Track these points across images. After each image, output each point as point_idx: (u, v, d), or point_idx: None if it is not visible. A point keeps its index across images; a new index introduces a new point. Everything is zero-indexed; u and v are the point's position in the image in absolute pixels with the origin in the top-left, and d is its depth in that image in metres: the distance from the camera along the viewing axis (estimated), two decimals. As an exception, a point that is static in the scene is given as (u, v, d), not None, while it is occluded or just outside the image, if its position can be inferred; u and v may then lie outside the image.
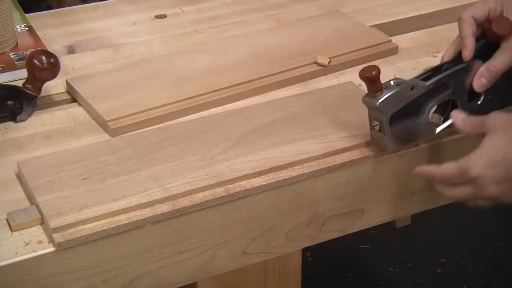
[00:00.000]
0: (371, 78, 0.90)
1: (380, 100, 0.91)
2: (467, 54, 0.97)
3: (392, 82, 0.93)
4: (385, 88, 0.92)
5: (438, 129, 0.98)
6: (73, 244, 0.83)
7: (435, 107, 0.97)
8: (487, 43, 1.00)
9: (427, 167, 0.92)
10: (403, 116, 0.94)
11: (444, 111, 0.99)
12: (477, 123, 0.91)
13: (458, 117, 0.94)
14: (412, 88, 0.93)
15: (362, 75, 0.90)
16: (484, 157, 0.85)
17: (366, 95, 0.92)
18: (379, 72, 0.90)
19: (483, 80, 0.97)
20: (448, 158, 1.02)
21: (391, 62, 1.20)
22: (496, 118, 0.89)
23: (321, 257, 1.93)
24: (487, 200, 0.88)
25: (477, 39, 0.99)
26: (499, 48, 0.98)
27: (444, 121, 0.99)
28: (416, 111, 0.95)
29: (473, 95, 0.99)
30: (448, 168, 0.88)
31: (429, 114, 0.97)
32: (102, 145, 0.97)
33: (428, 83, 0.94)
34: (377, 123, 0.94)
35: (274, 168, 0.93)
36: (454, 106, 0.98)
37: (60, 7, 1.57)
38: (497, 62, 0.97)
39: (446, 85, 0.97)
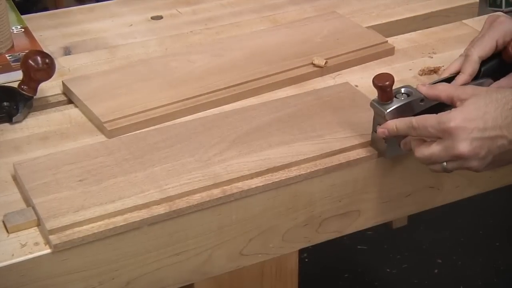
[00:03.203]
0: (384, 88, 0.90)
1: (388, 110, 0.91)
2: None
3: (402, 90, 0.93)
4: (395, 97, 0.92)
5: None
6: (69, 246, 0.83)
7: None
8: (500, 62, 1.00)
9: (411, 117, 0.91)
10: None
11: None
12: (452, 91, 0.90)
13: (423, 86, 0.92)
14: (422, 100, 0.92)
15: (376, 83, 0.90)
16: (464, 113, 0.85)
17: (375, 100, 0.92)
18: (392, 82, 0.90)
19: None
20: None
21: (387, 63, 1.20)
22: (476, 87, 0.90)
23: (318, 258, 1.92)
24: (454, 161, 0.86)
25: (491, 57, 0.99)
26: None
27: None
28: None
29: None
30: (428, 117, 0.87)
31: None
32: (99, 146, 0.97)
33: None
34: None
35: (271, 169, 0.93)
36: None
37: (56, 8, 1.56)
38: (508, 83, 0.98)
39: None
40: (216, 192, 0.90)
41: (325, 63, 1.16)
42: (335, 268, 1.97)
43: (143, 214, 0.86)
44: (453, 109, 0.86)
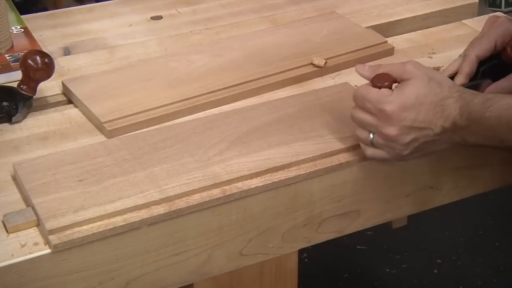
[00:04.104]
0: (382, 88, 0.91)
1: None
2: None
3: None
4: None
5: None
6: (69, 246, 0.83)
7: None
8: (499, 63, 1.00)
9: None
10: None
11: None
12: (395, 71, 0.92)
13: (364, 67, 0.95)
14: None
15: (375, 83, 0.91)
16: (401, 100, 0.88)
17: None
18: (392, 83, 0.91)
19: None
20: (444, 161, 1.03)
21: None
22: (417, 66, 0.91)
23: (318, 258, 1.93)
24: (381, 138, 0.90)
25: (490, 58, 0.99)
26: None
27: None
28: None
29: None
30: (370, 90, 0.90)
31: None
32: (98, 146, 0.97)
33: None
34: None
35: (271, 169, 0.93)
36: None
37: (55, 8, 1.56)
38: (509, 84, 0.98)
39: None
40: (216, 192, 0.90)
41: (325, 63, 1.16)
42: (335, 268, 1.97)
43: (143, 214, 0.86)
44: (393, 93, 0.89)
